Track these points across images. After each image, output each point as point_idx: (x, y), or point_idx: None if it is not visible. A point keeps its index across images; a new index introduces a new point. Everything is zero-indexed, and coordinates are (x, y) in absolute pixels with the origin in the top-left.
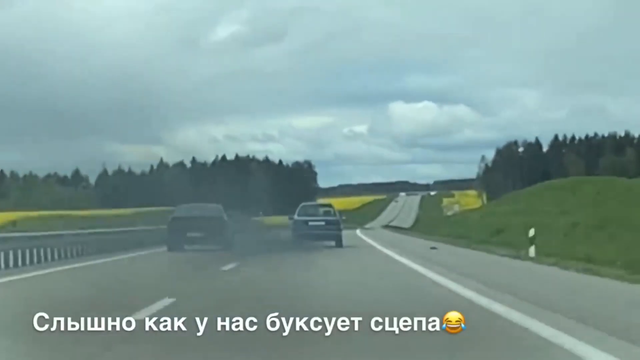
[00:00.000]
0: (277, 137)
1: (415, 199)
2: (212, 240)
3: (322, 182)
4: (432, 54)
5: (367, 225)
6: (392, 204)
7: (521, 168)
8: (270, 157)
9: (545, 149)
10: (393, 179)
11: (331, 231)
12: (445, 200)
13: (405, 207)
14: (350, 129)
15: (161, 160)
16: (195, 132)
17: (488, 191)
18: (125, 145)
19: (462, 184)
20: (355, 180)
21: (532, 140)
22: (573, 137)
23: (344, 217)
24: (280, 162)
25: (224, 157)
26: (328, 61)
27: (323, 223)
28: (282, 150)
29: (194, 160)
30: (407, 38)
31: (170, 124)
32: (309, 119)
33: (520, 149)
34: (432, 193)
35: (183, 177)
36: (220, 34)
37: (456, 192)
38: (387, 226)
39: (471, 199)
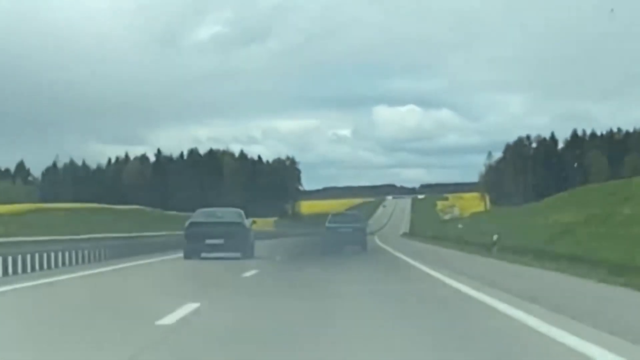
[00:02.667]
0: (260, 139)
1: (405, 202)
2: (232, 247)
3: (308, 185)
4: (417, 58)
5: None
6: (381, 208)
7: (533, 168)
8: (249, 153)
9: (560, 145)
10: (379, 182)
11: (358, 237)
12: (440, 204)
13: (396, 211)
14: (334, 132)
15: (126, 154)
16: (177, 132)
17: (492, 194)
18: (104, 145)
19: (450, 188)
20: (341, 183)
21: (547, 135)
22: (593, 133)
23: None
24: (260, 158)
25: (194, 151)
26: (311, 63)
27: (350, 230)
28: (266, 153)
29: (159, 153)
30: (391, 40)
31: (150, 124)
32: (293, 122)
33: (534, 145)
34: (421, 197)
35: (144, 172)
36: (203, 34)
37: (450, 195)
38: (404, 234)
39: (469, 202)
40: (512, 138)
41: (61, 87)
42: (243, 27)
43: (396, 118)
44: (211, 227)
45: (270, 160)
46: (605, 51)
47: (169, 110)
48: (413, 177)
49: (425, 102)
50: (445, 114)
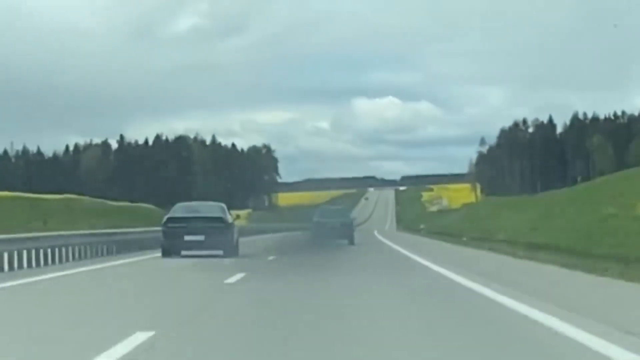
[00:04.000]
0: (239, 132)
1: (388, 194)
2: (213, 244)
3: (287, 177)
4: (396, 50)
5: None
6: (363, 200)
7: (530, 155)
8: (222, 141)
9: (559, 130)
10: (359, 175)
11: (345, 231)
12: (426, 195)
13: (379, 203)
14: (313, 125)
15: (86, 141)
16: (156, 125)
17: (485, 183)
18: (76, 137)
19: (431, 180)
20: (320, 175)
21: (545, 119)
22: (596, 117)
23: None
24: (234, 145)
25: (159, 137)
26: (290, 55)
27: (338, 224)
28: (245, 145)
29: (121, 140)
30: (370, 33)
31: (126, 117)
32: (272, 114)
33: (530, 130)
34: (402, 188)
35: (104, 160)
36: (181, 26)
37: (434, 187)
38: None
39: (457, 193)
40: (492, 130)
41: (33, 80)
42: (221, 19)
43: (375, 110)
44: (190, 223)
45: (245, 149)
46: (584, 42)
47: (146, 104)
48: (393, 169)
49: (405, 94)
50: (424, 106)
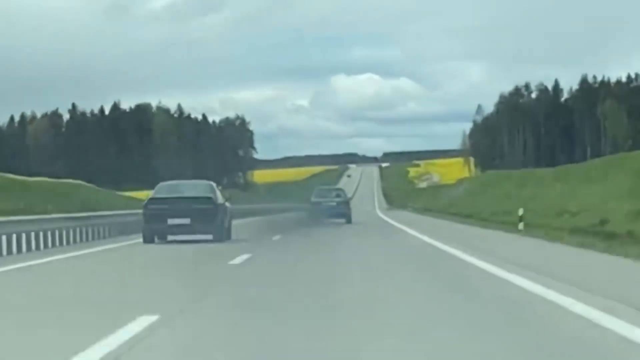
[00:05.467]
0: (218, 110)
1: (371, 170)
2: (201, 228)
3: (266, 154)
4: (375, 26)
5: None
6: (345, 177)
7: (533, 122)
8: (191, 113)
9: (565, 96)
10: (340, 152)
11: (342, 210)
12: (413, 171)
13: (363, 180)
14: (292, 102)
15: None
16: (131, 104)
17: (480, 157)
18: None
19: (413, 156)
20: (301, 152)
21: (550, 84)
22: (606, 80)
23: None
24: (205, 117)
25: (117, 106)
26: (268, 32)
27: (335, 204)
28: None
29: (73, 109)
30: (349, 9)
31: (103, 96)
32: (250, 92)
33: (534, 94)
34: (384, 165)
35: (54, 132)
36: (157, 4)
37: (421, 162)
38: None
39: (447, 168)
40: (472, 106)
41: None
42: None
43: (355, 87)
44: (174, 204)
45: (217, 120)
46: (565, 16)
47: (122, 83)
48: (374, 146)
49: (384, 71)
50: (404, 82)
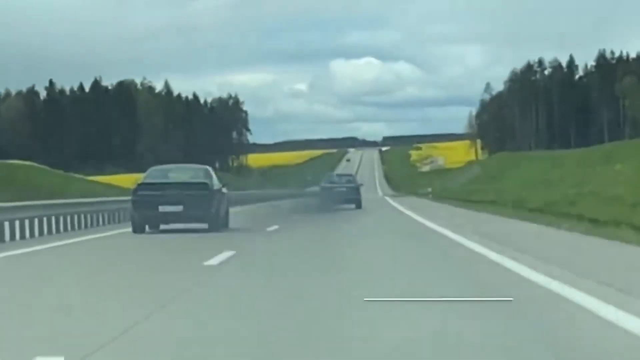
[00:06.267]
0: (215, 94)
1: (371, 153)
2: (194, 216)
3: (264, 138)
4: (373, 9)
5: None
6: (344, 162)
7: (547, 101)
8: (182, 92)
9: (580, 73)
10: (339, 136)
11: (353, 196)
12: (415, 155)
13: (364, 164)
14: (290, 87)
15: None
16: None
17: (488, 138)
18: None
19: (414, 140)
20: (300, 136)
21: (564, 60)
22: (624, 56)
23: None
24: (195, 96)
25: (98, 82)
26: (266, 16)
27: (345, 189)
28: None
29: (51, 87)
30: None
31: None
32: (248, 76)
33: (548, 71)
34: (385, 149)
35: (28, 112)
36: None
37: (423, 145)
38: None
39: (450, 151)
40: (472, 90)
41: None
42: None
43: (353, 71)
44: (166, 190)
45: (209, 100)
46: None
47: (118, 68)
48: (374, 130)
49: (383, 55)
50: (403, 66)
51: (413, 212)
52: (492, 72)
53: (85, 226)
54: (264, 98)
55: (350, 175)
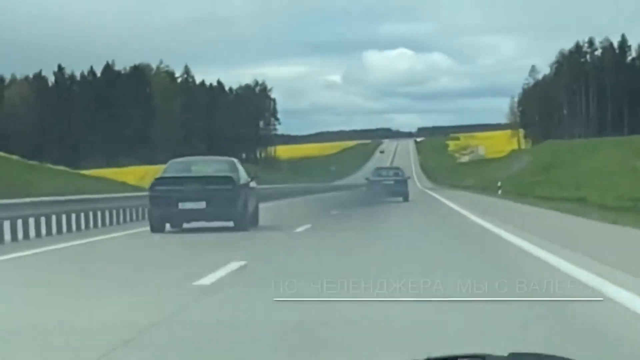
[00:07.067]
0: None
1: (406, 144)
2: (218, 213)
3: (299, 130)
4: (406, 0)
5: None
6: (377, 154)
7: (598, 86)
8: (205, 79)
9: (633, 54)
10: (373, 127)
11: (400, 189)
12: (452, 145)
13: (398, 153)
14: (324, 78)
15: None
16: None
17: (531, 127)
18: None
19: (448, 130)
20: (335, 128)
21: (616, 39)
22: None
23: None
24: (220, 83)
25: (110, 67)
26: (299, 8)
27: (392, 182)
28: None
29: (60, 72)
30: None
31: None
32: (282, 69)
33: (598, 52)
34: (419, 139)
35: (36, 98)
36: None
37: (461, 135)
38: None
39: (491, 141)
40: (506, 80)
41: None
42: None
43: (387, 62)
44: (187, 185)
45: (234, 88)
46: None
47: (150, 59)
48: (408, 121)
49: (416, 46)
50: (437, 57)
51: (497, 224)
52: (527, 62)
53: (87, 227)
54: (298, 90)
55: (397, 168)
